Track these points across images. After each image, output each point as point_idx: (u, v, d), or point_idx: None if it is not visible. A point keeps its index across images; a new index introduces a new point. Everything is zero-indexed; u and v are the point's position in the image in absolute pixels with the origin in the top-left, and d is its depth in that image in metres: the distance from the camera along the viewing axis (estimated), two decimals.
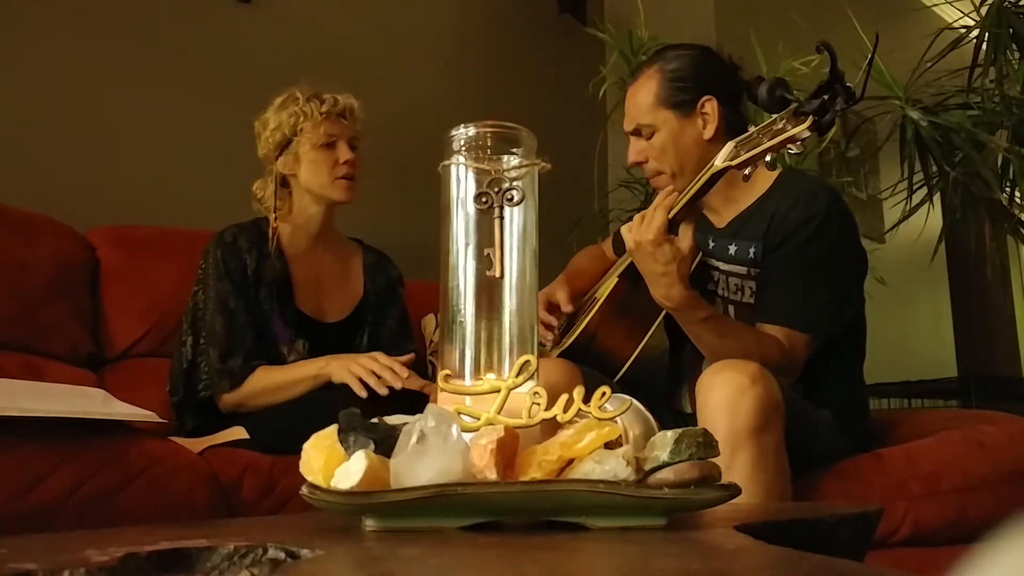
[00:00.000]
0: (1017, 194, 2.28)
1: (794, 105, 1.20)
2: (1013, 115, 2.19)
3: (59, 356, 1.72)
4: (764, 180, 1.52)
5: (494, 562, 0.54)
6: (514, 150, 0.79)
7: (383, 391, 1.49)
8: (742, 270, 1.49)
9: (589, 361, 1.49)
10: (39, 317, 1.71)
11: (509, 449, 0.66)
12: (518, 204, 0.78)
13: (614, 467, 0.64)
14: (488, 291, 0.78)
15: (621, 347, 1.53)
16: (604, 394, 0.69)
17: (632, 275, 1.46)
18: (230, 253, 1.67)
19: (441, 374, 0.75)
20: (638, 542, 0.60)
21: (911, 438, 1.58)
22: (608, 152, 3.03)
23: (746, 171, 1.29)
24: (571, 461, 0.67)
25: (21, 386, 1.28)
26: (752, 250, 1.47)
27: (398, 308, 1.84)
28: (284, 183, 1.75)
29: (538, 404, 0.70)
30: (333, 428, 0.69)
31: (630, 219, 1.41)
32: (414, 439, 0.64)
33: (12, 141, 1.94)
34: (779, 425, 1.23)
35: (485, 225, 0.78)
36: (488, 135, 0.80)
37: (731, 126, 1.49)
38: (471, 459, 0.64)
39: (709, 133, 1.50)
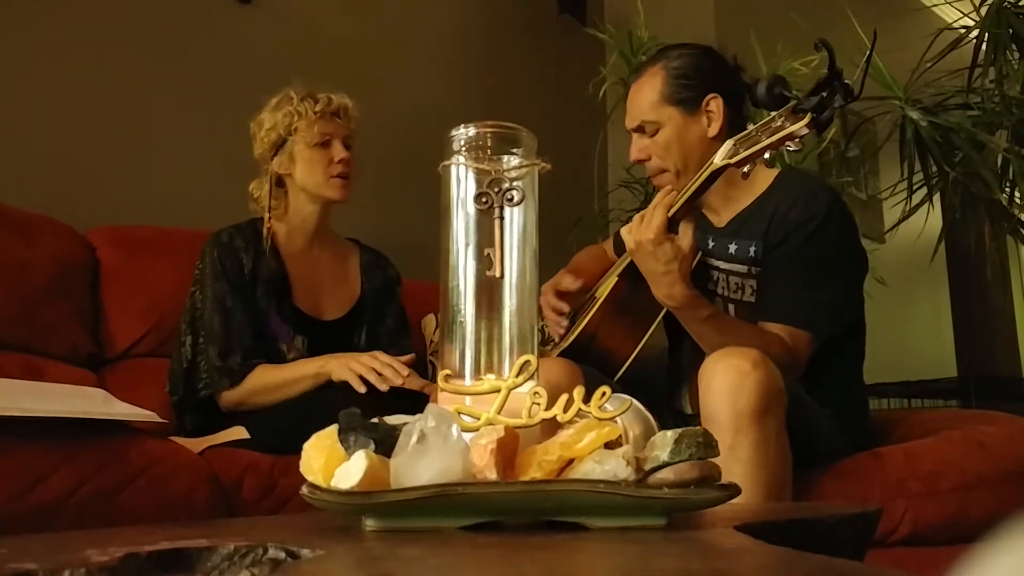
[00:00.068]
0: (1017, 194, 2.28)
1: (792, 102, 1.20)
2: (1013, 115, 2.19)
3: (59, 356, 1.72)
4: (764, 179, 1.52)
5: (494, 562, 0.54)
6: (514, 150, 0.79)
7: (384, 387, 1.49)
8: (742, 269, 1.49)
9: (589, 360, 1.49)
10: (39, 317, 1.71)
11: (509, 449, 0.66)
12: (518, 204, 0.78)
13: (614, 467, 0.64)
14: (488, 291, 0.78)
15: (621, 346, 1.53)
16: (604, 394, 0.69)
17: (632, 274, 1.46)
18: (226, 253, 1.67)
19: (441, 374, 0.75)
20: (638, 542, 0.60)
21: (911, 438, 1.58)
22: (608, 152, 3.04)
23: (745, 169, 1.29)
24: (571, 461, 0.67)
25: (21, 386, 1.28)
26: (752, 249, 1.47)
27: (396, 307, 1.85)
28: (280, 183, 1.76)
29: (538, 404, 0.70)
30: (333, 428, 0.69)
31: (630, 219, 1.41)
32: (414, 439, 0.64)
33: (12, 141, 1.94)
34: (780, 411, 1.23)
35: (485, 225, 0.78)
36: (488, 135, 0.80)
37: (734, 126, 1.49)
38: (471, 459, 0.64)
39: (713, 131, 1.50)
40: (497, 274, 0.77)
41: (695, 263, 1.47)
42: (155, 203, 2.10)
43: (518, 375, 0.71)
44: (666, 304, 1.39)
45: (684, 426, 0.67)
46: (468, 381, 0.76)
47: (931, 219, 2.32)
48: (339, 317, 1.77)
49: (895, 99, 2.27)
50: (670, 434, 0.65)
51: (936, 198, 2.31)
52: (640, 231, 1.35)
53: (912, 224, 2.37)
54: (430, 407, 0.67)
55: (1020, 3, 2.20)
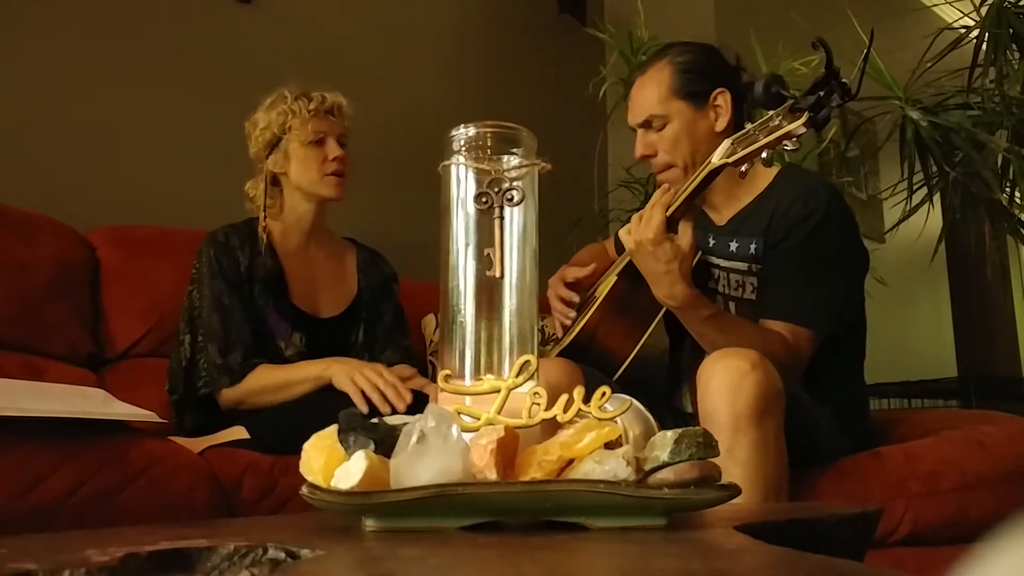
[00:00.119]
0: (1017, 194, 2.28)
1: (790, 101, 1.20)
2: (1013, 115, 2.19)
3: (59, 356, 1.72)
4: (765, 177, 1.52)
5: (494, 562, 0.54)
6: (514, 150, 0.79)
7: (386, 409, 1.47)
8: (743, 266, 1.49)
9: (589, 360, 1.49)
10: (39, 317, 1.71)
11: (509, 449, 0.66)
12: (518, 204, 0.78)
13: (614, 467, 0.64)
14: (488, 291, 0.78)
15: (621, 346, 1.53)
16: (604, 394, 0.69)
17: (631, 274, 1.46)
18: (223, 251, 1.68)
19: (441, 374, 0.75)
20: (638, 542, 0.60)
21: (911, 438, 1.58)
22: (608, 152, 3.04)
23: (742, 168, 1.29)
24: (571, 461, 0.67)
25: (21, 386, 1.28)
26: (753, 246, 1.47)
27: (393, 305, 1.85)
28: (275, 182, 1.76)
29: (538, 404, 0.70)
30: (333, 428, 0.69)
31: (630, 219, 1.41)
32: (414, 439, 0.64)
33: (12, 141, 1.94)
34: (779, 412, 1.23)
35: (485, 225, 0.78)
36: (488, 135, 0.80)
37: (738, 123, 1.49)
38: (471, 459, 0.64)
39: (721, 126, 1.50)
40: (497, 274, 0.77)
41: (695, 262, 1.47)
42: (155, 203, 2.10)
43: (518, 375, 0.71)
44: (667, 304, 1.39)
45: (684, 426, 0.67)
46: (468, 381, 0.76)
47: (931, 219, 2.32)
48: (336, 315, 1.78)
49: (895, 99, 2.27)
50: (670, 434, 0.65)
51: (936, 198, 2.31)
52: (639, 231, 1.35)
53: (912, 224, 2.37)
54: (430, 407, 0.67)
55: (1020, 3, 2.20)
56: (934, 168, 2.27)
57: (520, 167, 0.79)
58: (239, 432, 1.52)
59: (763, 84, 1.25)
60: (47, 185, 1.97)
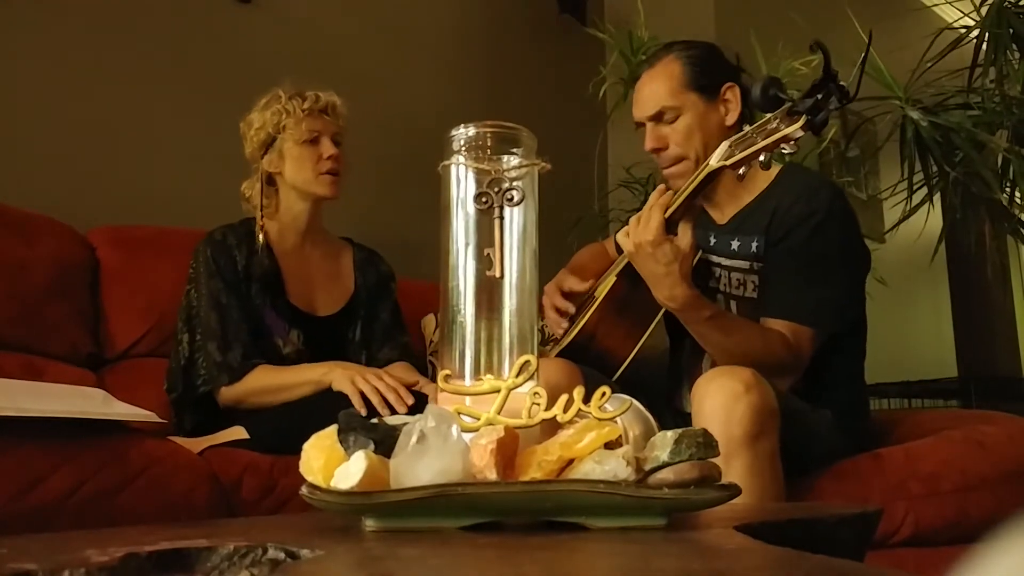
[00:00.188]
0: (1017, 194, 2.27)
1: (788, 104, 1.20)
2: (1013, 115, 2.18)
3: (59, 356, 1.72)
4: (766, 175, 1.52)
5: (494, 562, 0.54)
6: (514, 150, 0.79)
7: (385, 412, 1.46)
8: (744, 265, 1.49)
9: (588, 360, 1.49)
10: (39, 317, 1.71)
11: (509, 449, 0.66)
12: (518, 204, 0.78)
13: (614, 467, 0.64)
14: (488, 291, 0.78)
15: (620, 346, 1.53)
16: (604, 394, 0.69)
17: (630, 274, 1.45)
18: (220, 251, 1.68)
19: (441, 374, 0.75)
20: (638, 542, 0.60)
21: (911, 438, 1.58)
22: (608, 152, 3.04)
23: (740, 171, 1.29)
24: (571, 461, 0.67)
25: (21, 386, 1.28)
26: (755, 244, 1.47)
27: (390, 303, 1.85)
28: (271, 181, 1.77)
29: (538, 404, 0.69)
30: (333, 428, 0.69)
31: (629, 221, 1.40)
32: (414, 439, 0.64)
33: (12, 141, 1.94)
34: (774, 432, 1.23)
35: (485, 225, 0.78)
36: (488, 135, 0.80)
37: (743, 121, 1.49)
38: (471, 459, 0.64)
39: (731, 120, 1.50)
40: (497, 274, 0.77)
41: (695, 261, 1.47)
42: (155, 203, 2.10)
43: (518, 375, 0.71)
44: (668, 306, 1.39)
45: (684, 426, 0.67)
46: (468, 381, 0.76)
47: (931, 219, 2.31)
48: (333, 313, 1.78)
49: (895, 99, 2.27)
50: (670, 434, 0.65)
51: (936, 198, 2.31)
52: (638, 233, 1.34)
53: (912, 224, 2.36)
54: (430, 407, 0.67)
55: (1020, 3, 2.20)
56: (934, 168, 2.27)
57: (520, 167, 0.79)
58: (239, 432, 1.52)
59: (760, 87, 1.25)
60: (47, 185, 1.97)
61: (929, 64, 2.26)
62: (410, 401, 1.50)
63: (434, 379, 1.33)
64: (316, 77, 1.80)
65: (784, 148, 1.21)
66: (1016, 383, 3.92)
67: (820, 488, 1.40)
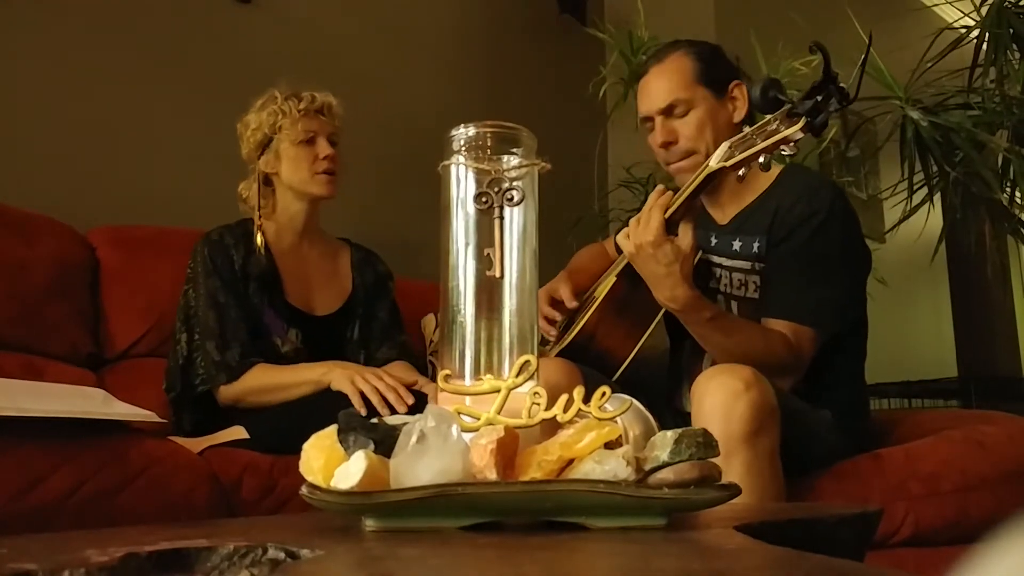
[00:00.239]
0: (1017, 194, 2.27)
1: (787, 106, 1.20)
2: (1013, 115, 2.18)
3: (59, 356, 1.72)
4: (767, 175, 1.52)
5: (494, 562, 0.54)
6: (514, 150, 0.79)
7: (385, 412, 1.46)
8: (746, 265, 1.49)
9: (588, 360, 1.49)
10: (39, 317, 1.71)
11: (509, 449, 0.66)
12: (518, 204, 0.78)
13: (614, 467, 0.64)
14: (488, 291, 0.77)
15: (620, 346, 1.53)
16: (604, 394, 0.69)
17: (630, 274, 1.45)
18: (217, 250, 1.69)
19: (441, 374, 0.75)
20: (638, 542, 0.60)
21: (911, 438, 1.58)
22: (608, 152, 3.04)
23: (740, 172, 1.28)
24: (571, 461, 0.67)
25: (21, 386, 1.28)
26: (756, 245, 1.47)
27: (388, 302, 1.86)
28: (267, 182, 1.78)
29: (538, 404, 0.69)
30: (333, 428, 0.69)
31: (629, 221, 1.40)
32: (414, 439, 0.64)
33: (12, 141, 1.94)
34: (774, 430, 1.23)
35: (485, 225, 0.78)
36: (488, 135, 0.80)
37: (748, 120, 1.49)
38: (471, 459, 0.64)
39: (739, 117, 1.50)
40: (497, 274, 0.77)
41: (696, 261, 1.47)
42: (155, 203, 2.10)
43: (518, 375, 0.71)
44: (669, 307, 1.38)
45: (684, 426, 0.67)
46: (468, 381, 0.76)
47: (931, 219, 2.31)
48: (331, 312, 1.79)
49: (895, 99, 2.27)
50: (670, 434, 0.65)
51: (936, 198, 2.31)
52: (639, 234, 1.33)
53: (912, 224, 2.36)
54: (430, 407, 0.67)
55: (1020, 3, 2.20)
56: (934, 168, 2.27)
57: (520, 167, 0.79)
58: (239, 432, 1.52)
59: (760, 88, 1.24)
60: (47, 185, 1.97)
61: (929, 64, 2.26)
62: (410, 400, 1.50)
63: (434, 379, 1.33)
64: (316, 77, 1.80)
65: (784, 150, 1.21)
66: (1016, 383, 3.92)
67: (820, 488, 1.40)
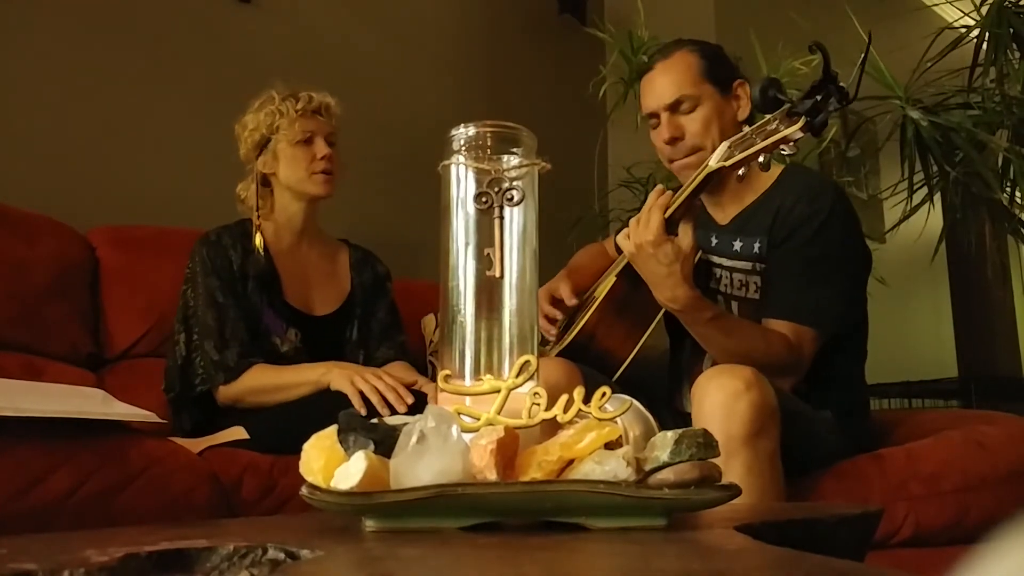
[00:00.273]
0: (1017, 194, 2.27)
1: (787, 106, 1.20)
2: (1013, 115, 2.18)
3: (59, 356, 1.72)
4: (768, 175, 1.52)
5: (494, 562, 0.54)
6: (514, 150, 0.79)
7: (385, 412, 1.47)
8: (747, 265, 1.49)
9: (588, 360, 1.49)
10: (39, 317, 1.71)
11: (509, 449, 0.66)
12: (518, 204, 0.78)
13: (614, 467, 0.63)
14: (488, 291, 0.77)
15: (620, 346, 1.53)
16: (604, 394, 0.69)
17: (630, 274, 1.45)
18: (215, 251, 1.69)
19: (441, 374, 0.75)
20: (638, 542, 0.60)
21: (912, 438, 1.58)
22: (608, 152, 3.04)
23: (740, 172, 1.28)
24: (571, 461, 0.67)
25: (21, 386, 1.28)
26: (757, 245, 1.47)
27: (387, 302, 1.86)
28: (265, 183, 1.78)
29: (538, 404, 0.69)
30: (333, 428, 0.69)
31: (629, 221, 1.40)
32: (414, 439, 0.64)
33: (12, 141, 1.94)
34: (774, 430, 1.23)
35: (485, 225, 0.78)
36: (488, 135, 0.80)
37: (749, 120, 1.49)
38: (471, 459, 0.64)
39: (743, 116, 1.50)
40: (497, 274, 0.77)
41: (696, 261, 1.47)
42: (155, 203, 2.10)
43: (518, 375, 0.71)
44: (669, 307, 1.38)
45: (684, 426, 0.67)
46: (468, 381, 0.76)
47: (932, 219, 2.31)
48: (330, 312, 1.79)
49: (896, 99, 2.27)
50: (670, 434, 0.65)
51: (937, 198, 2.31)
52: (639, 233, 1.33)
53: (913, 224, 2.36)
54: (430, 407, 0.67)
55: (1021, 3, 2.20)
56: (934, 168, 2.27)
57: (520, 167, 0.79)
58: (238, 432, 1.52)
59: (760, 87, 1.24)
60: (47, 185, 1.97)
61: (929, 64, 2.26)
62: (409, 400, 1.50)
63: (434, 379, 1.33)
64: (316, 77, 1.80)
65: (784, 149, 1.21)
66: (1016, 383, 3.92)
67: (820, 488, 1.40)
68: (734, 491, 0.65)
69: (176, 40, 2.22)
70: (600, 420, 0.68)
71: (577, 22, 3.04)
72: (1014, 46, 2.20)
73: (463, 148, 0.79)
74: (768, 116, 1.24)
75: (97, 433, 1.22)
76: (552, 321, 1.64)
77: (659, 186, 1.39)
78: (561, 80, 3.00)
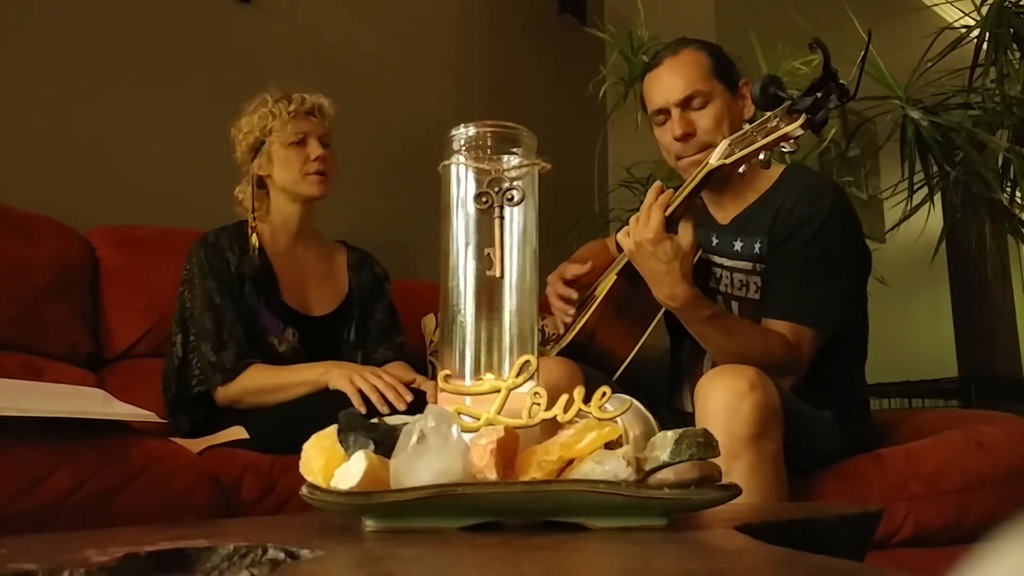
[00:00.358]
0: (1018, 194, 2.27)
1: (787, 103, 1.20)
2: (1013, 115, 2.18)
3: (59, 356, 1.72)
4: (769, 175, 1.52)
5: (494, 562, 0.54)
6: (514, 150, 0.79)
7: (385, 410, 1.46)
8: (747, 265, 1.49)
9: (588, 360, 1.49)
10: (39, 317, 1.71)
11: (509, 449, 0.66)
12: (518, 204, 0.78)
13: (614, 467, 0.63)
14: (488, 291, 0.77)
15: (620, 346, 1.53)
16: (604, 394, 0.69)
17: (630, 273, 1.45)
18: (212, 252, 1.69)
19: (441, 374, 0.75)
20: (638, 542, 0.60)
21: (912, 438, 1.58)
22: (608, 152, 3.04)
23: (740, 169, 1.28)
24: (571, 461, 0.67)
25: (21, 386, 1.28)
26: (757, 245, 1.47)
27: (385, 303, 1.86)
28: (261, 184, 1.78)
29: (538, 404, 0.69)
30: (333, 428, 0.69)
31: (628, 221, 1.40)
32: (414, 439, 0.64)
33: (12, 141, 1.94)
34: (777, 431, 1.23)
35: (485, 225, 0.78)
36: (488, 135, 0.80)
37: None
38: (471, 459, 0.64)
39: (748, 114, 1.50)
40: (497, 274, 0.77)
41: (695, 260, 1.47)
42: (155, 203, 2.10)
43: (518, 375, 0.71)
44: (668, 305, 1.38)
45: (684, 426, 0.67)
46: (468, 381, 0.76)
47: (932, 219, 2.31)
48: (327, 313, 1.79)
49: (896, 99, 2.27)
50: (670, 434, 0.65)
51: (937, 198, 2.31)
52: (639, 231, 1.33)
53: (913, 224, 2.36)
54: (430, 407, 0.67)
55: (1021, 3, 2.20)
56: (935, 168, 2.27)
57: (520, 167, 0.79)
58: (238, 432, 1.52)
59: (760, 85, 1.24)
60: (47, 185, 1.97)
61: (929, 64, 2.26)
62: (409, 398, 1.51)
63: (434, 379, 1.33)
64: (316, 77, 1.80)
65: (784, 147, 1.20)
66: (1016, 383, 3.92)
67: (821, 488, 1.40)
68: (734, 491, 0.65)
69: (176, 40, 2.22)
70: (600, 420, 0.68)
71: (577, 22, 3.04)
72: (1014, 46, 2.20)
73: (463, 148, 0.79)
74: (768, 113, 1.24)
75: (97, 433, 1.22)
76: (568, 302, 1.60)
77: (657, 183, 1.39)
78: (561, 80, 3.00)
